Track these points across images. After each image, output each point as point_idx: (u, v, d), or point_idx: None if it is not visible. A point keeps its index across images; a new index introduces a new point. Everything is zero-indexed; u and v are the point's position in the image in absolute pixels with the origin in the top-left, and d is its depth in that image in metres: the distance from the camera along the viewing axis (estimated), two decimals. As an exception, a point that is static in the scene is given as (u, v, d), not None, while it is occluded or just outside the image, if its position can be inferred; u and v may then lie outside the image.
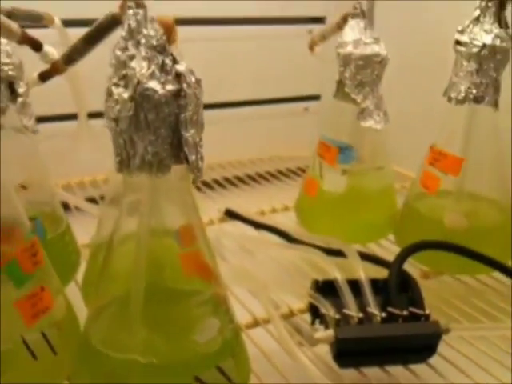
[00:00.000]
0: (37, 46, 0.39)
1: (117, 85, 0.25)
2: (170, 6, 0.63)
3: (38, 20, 0.43)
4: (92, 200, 0.63)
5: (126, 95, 0.24)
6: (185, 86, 0.24)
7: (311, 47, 0.56)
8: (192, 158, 0.25)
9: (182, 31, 0.73)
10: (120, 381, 0.29)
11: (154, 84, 0.24)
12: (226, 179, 0.71)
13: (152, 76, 0.24)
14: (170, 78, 0.24)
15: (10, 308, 0.30)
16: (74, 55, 0.39)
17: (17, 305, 0.30)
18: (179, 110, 0.25)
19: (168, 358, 0.28)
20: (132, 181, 0.27)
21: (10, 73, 0.36)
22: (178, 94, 0.24)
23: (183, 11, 0.66)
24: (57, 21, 0.46)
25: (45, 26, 0.45)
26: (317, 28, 0.73)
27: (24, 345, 0.30)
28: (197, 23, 0.68)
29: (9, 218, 0.32)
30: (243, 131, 0.73)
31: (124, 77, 0.25)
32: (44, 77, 0.41)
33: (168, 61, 0.25)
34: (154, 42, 0.24)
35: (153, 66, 0.24)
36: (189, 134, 0.25)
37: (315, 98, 0.78)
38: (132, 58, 0.25)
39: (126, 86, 0.24)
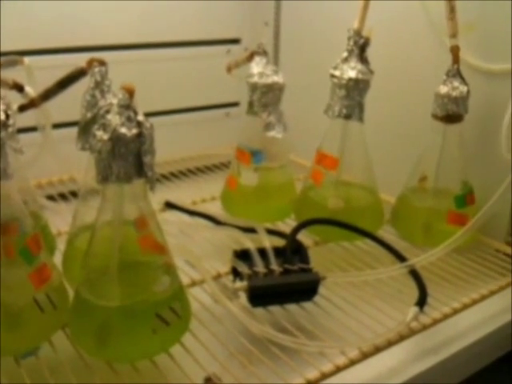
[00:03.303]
0: (20, 88, 0.51)
1: (98, 129, 0.39)
2: (108, 36, 0.77)
3: (15, 64, 0.56)
4: (50, 197, 0.76)
5: (105, 137, 0.38)
6: (143, 129, 0.39)
7: (228, 70, 0.71)
8: (149, 173, 0.40)
9: (120, 55, 0.87)
10: (102, 322, 0.44)
11: (124, 130, 0.38)
12: (163, 175, 0.84)
13: (123, 124, 0.38)
14: (133, 124, 0.39)
15: (25, 278, 0.43)
16: (48, 95, 0.52)
17: (29, 276, 0.43)
18: (140, 145, 0.39)
19: (137, 301, 0.43)
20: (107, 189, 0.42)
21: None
22: (139, 135, 0.39)
23: (120, 38, 0.80)
24: (26, 61, 0.58)
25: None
26: (233, 47, 0.88)
27: (35, 302, 0.43)
28: (131, 48, 0.81)
29: (12, 215, 0.45)
30: (176, 134, 0.85)
31: (103, 125, 0.39)
32: (22, 108, 0.54)
33: (132, 114, 0.39)
34: (122, 102, 0.39)
35: (123, 118, 0.38)
36: (147, 159, 0.39)
37: (235, 104, 0.93)
38: (108, 112, 0.39)
39: (105, 131, 0.39)
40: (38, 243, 0.45)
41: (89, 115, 0.47)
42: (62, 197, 0.76)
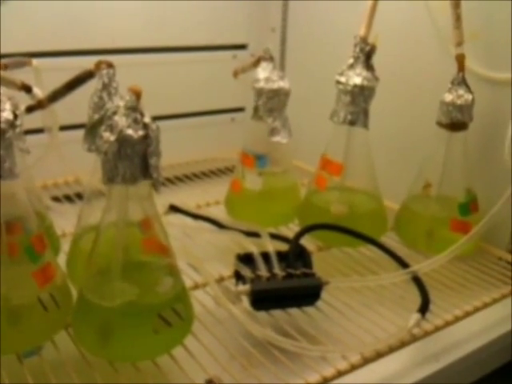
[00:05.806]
0: (29, 89, 0.52)
1: (105, 131, 0.39)
2: (115, 39, 0.77)
3: (23, 65, 0.56)
4: (56, 198, 0.76)
5: (112, 138, 0.39)
6: (150, 131, 0.39)
7: (235, 75, 0.71)
8: (155, 175, 0.40)
9: (126, 59, 0.87)
10: (105, 322, 0.44)
11: (130, 131, 0.39)
12: (168, 179, 0.85)
13: (129, 126, 0.39)
14: (140, 126, 0.39)
15: (29, 277, 0.43)
16: (56, 96, 0.52)
17: (33, 275, 0.44)
18: (146, 146, 0.39)
19: (139, 302, 0.43)
20: (112, 189, 0.42)
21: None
22: (145, 137, 0.39)
23: (127, 42, 0.81)
24: (34, 62, 0.59)
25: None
26: (240, 53, 0.89)
27: (39, 301, 0.44)
28: (138, 52, 0.82)
29: (18, 215, 0.45)
30: (181, 138, 0.85)
31: (110, 126, 0.39)
32: (30, 109, 0.54)
33: (138, 116, 0.39)
34: (129, 104, 0.39)
35: (129, 120, 0.39)
36: (153, 161, 0.40)
37: (240, 110, 0.93)
38: (115, 113, 0.39)
39: (111, 132, 0.39)
40: (43, 242, 0.45)
41: (96, 117, 0.48)
42: (68, 198, 0.77)
